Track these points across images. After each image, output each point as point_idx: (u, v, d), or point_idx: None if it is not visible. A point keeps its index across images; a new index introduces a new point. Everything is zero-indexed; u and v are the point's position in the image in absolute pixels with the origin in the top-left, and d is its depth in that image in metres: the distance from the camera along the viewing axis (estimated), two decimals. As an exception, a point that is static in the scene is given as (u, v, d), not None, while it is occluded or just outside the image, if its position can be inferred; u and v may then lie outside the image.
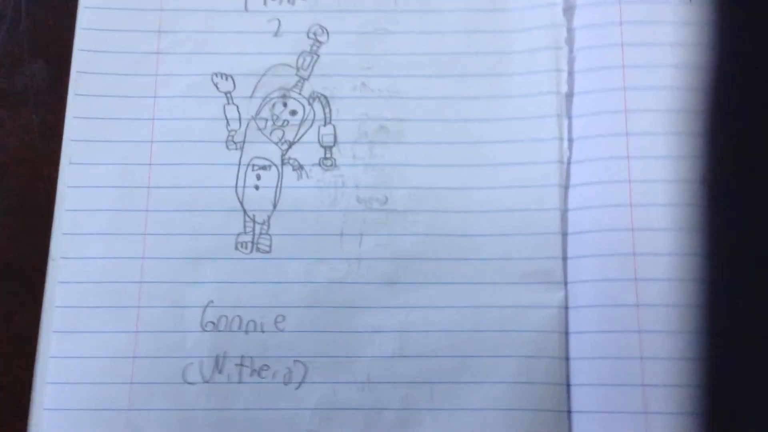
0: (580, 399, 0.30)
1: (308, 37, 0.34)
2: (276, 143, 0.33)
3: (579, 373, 0.30)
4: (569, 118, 0.32)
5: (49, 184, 0.32)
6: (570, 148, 0.32)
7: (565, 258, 0.31)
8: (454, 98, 0.33)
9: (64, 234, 0.31)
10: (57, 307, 0.31)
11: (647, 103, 0.32)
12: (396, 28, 0.34)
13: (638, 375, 0.29)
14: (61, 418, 0.29)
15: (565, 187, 0.32)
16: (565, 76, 0.33)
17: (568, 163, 0.32)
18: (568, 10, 0.33)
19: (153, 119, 0.33)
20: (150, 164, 0.32)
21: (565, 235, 0.31)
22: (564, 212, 0.32)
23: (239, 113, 0.33)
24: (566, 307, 0.31)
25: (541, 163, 0.32)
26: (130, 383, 0.30)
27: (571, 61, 0.33)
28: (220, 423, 0.30)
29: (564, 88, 0.33)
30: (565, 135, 0.32)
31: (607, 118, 0.32)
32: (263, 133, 0.33)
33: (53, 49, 0.34)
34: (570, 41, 0.33)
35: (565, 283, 0.31)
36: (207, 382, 0.30)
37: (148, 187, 0.32)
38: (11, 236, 0.32)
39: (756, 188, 0.27)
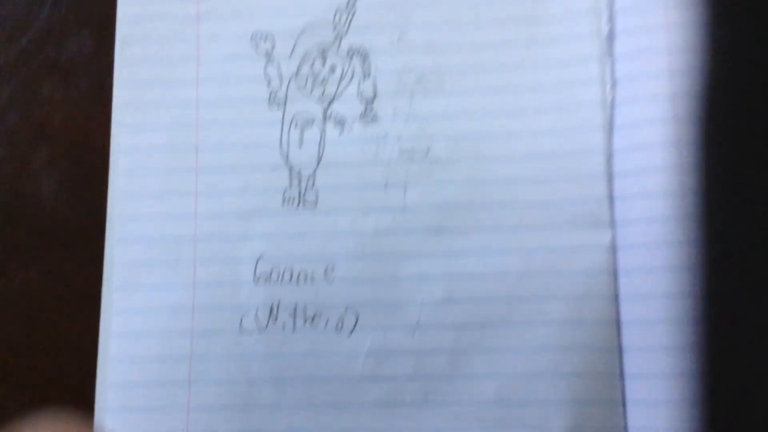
0: (630, 337, 0.30)
1: (344, -8, 0.34)
2: (317, 100, 0.33)
3: (629, 311, 0.30)
4: (611, 59, 0.32)
5: (102, 149, 0.33)
6: (613, 90, 0.32)
7: (612, 199, 0.31)
8: (492, 45, 0.33)
9: (119, 196, 0.33)
10: (117, 264, 0.32)
11: (690, 42, 0.31)
12: (431, -22, 0.34)
13: (688, 311, 0.29)
14: (126, 368, 0.31)
15: (610, 128, 0.32)
16: (605, 16, 0.32)
17: (612, 105, 0.32)
18: (605, -50, 0.33)
19: (197, 82, 0.33)
20: (197, 125, 0.33)
21: (610, 176, 0.31)
22: (609, 154, 0.31)
23: (280, 72, 0.34)
24: (614, 248, 0.31)
25: (583, 106, 0.32)
26: (191, 333, 0.31)
27: (611, 1, 0.33)
28: (277, 369, 0.31)
29: (605, 29, 0.32)
30: (608, 76, 0.32)
31: (650, 57, 0.32)
32: (304, 91, 0.33)
33: (97, 18, 0.35)
34: (608, -20, 0.33)
35: (613, 224, 0.31)
36: (263, 330, 0.31)
37: (197, 148, 0.33)
38: (70, 200, 0.33)
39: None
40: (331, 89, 0.33)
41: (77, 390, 0.31)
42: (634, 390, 0.29)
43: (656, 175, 0.31)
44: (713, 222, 0.29)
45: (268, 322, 0.31)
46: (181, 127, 0.33)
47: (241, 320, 0.31)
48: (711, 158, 0.30)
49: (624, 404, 0.29)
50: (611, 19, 0.32)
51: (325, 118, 0.33)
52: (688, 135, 0.30)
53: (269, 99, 0.33)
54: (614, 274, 0.31)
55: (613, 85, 0.32)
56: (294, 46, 0.34)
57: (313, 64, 0.34)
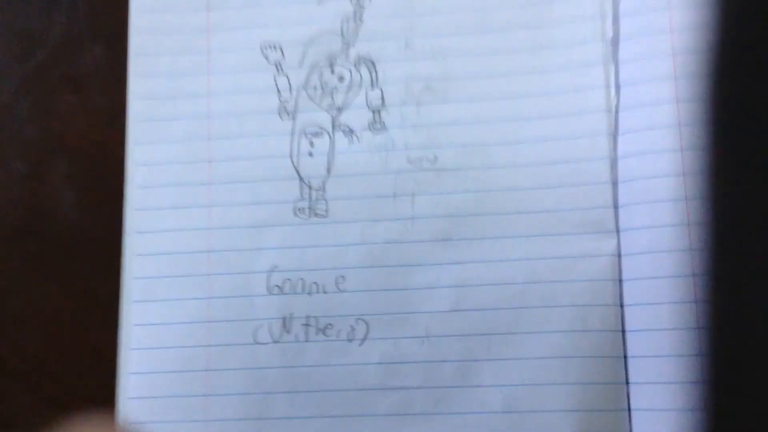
0: (636, 344, 0.30)
1: (351, 2, 0.34)
2: (326, 110, 0.34)
3: (634, 319, 0.30)
4: (615, 64, 0.32)
5: (119, 162, 0.34)
6: (617, 94, 0.32)
7: (616, 206, 0.31)
8: (497, 52, 0.33)
9: (136, 210, 0.33)
10: (135, 278, 0.33)
11: (695, 45, 0.31)
12: (437, -15, 0.34)
13: (693, 319, 0.30)
14: (146, 382, 0.32)
15: (614, 135, 0.32)
16: (609, 20, 0.32)
17: (617, 111, 0.32)
18: (610, -45, 0.33)
19: (209, 95, 0.34)
20: (209, 139, 0.34)
21: (615, 183, 0.32)
22: (614, 160, 0.32)
23: (290, 83, 0.34)
24: (619, 255, 0.31)
25: (588, 112, 0.32)
26: (207, 346, 0.32)
27: (615, 5, 0.32)
28: (290, 380, 0.31)
29: (609, 34, 0.32)
30: (612, 82, 0.32)
31: (655, 61, 0.32)
32: (313, 101, 0.34)
33: (111, 31, 0.35)
34: (613, -15, 0.33)
35: (618, 231, 0.31)
36: (276, 342, 0.32)
37: (209, 162, 0.33)
38: (89, 214, 0.34)
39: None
40: (339, 99, 0.34)
41: (99, 402, 0.32)
42: (640, 397, 0.30)
43: (661, 181, 0.31)
44: (720, 229, 0.29)
45: (281, 333, 0.32)
46: (194, 140, 0.34)
47: (256, 332, 0.32)
48: (718, 162, 0.30)
49: (630, 411, 0.30)
50: (615, 23, 0.32)
51: (334, 128, 0.34)
52: (692, 139, 0.31)
53: (279, 109, 0.34)
54: (619, 282, 0.31)
55: (618, 90, 0.32)
56: (303, 55, 0.34)
57: (321, 74, 0.34)
